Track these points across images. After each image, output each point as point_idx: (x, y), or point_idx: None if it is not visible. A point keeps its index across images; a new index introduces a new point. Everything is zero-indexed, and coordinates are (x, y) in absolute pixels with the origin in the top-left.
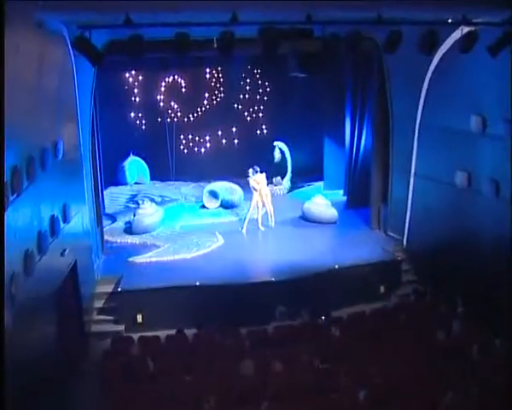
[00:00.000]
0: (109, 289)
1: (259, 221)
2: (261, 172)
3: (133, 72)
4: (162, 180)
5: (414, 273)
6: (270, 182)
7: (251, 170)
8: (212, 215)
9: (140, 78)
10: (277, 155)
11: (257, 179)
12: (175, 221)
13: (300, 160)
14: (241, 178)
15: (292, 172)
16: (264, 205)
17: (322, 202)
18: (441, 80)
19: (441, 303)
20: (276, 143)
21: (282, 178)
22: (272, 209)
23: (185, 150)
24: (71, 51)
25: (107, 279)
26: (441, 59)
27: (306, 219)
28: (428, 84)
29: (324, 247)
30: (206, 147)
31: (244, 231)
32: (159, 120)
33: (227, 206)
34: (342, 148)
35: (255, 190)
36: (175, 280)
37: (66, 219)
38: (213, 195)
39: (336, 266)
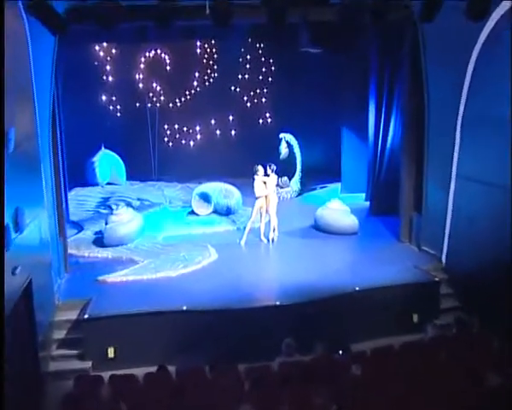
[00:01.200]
0: (73, 315)
1: (262, 231)
2: (276, 172)
3: (105, 44)
4: (141, 180)
5: (456, 298)
6: (276, 185)
7: (259, 167)
8: (203, 224)
9: (113, 52)
10: (284, 149)
11: (268, 181)
12: (157, 231)
13: (312, 156)
14: (238, 177)
15: (302, 172)
16: (267, 212)
17: (340, 209)
18: (493, 59)
19: (492, 337)
20: (282, 136)
21: (290, 179)
22: (276, 221)
23: (170, 143)
24: (25, 17)
25: (70, 304)
26: (493, 31)
27: (319, 228)
28: (476, 64)
29: (342, 264)
30: (195, 139)
31: (243, 243)
32: (137, 105)
33: (222, 212)
34: (364, 142)
35: (260, 194)
36: (156, 304)
37: (18, 228)
38: (205, 198)
39: (357, 289)
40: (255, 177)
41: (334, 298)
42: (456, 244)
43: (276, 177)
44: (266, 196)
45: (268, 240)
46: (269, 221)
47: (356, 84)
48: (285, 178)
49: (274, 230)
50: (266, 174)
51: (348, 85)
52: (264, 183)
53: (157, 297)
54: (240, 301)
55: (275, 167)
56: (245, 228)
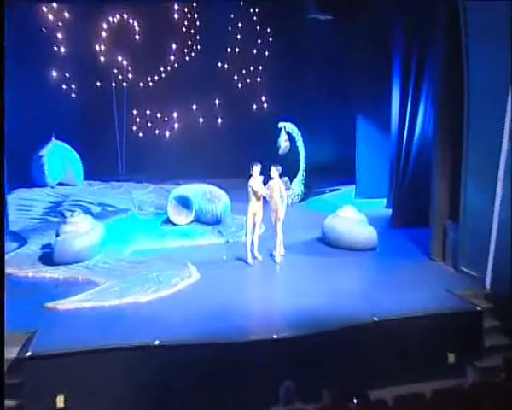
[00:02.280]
0: (12, 353)
1: (256, 245)
2: (280, 175)
3: (55, 5)
4: (103, 180)
5: (504, 334)
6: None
7: (256, 167)
8: (181, 235)
9: (66, 15)
10: (284, 142)
11: (272, 186)
12: (123, 244)
13: (320, 151)
14: (226, 178)
15: (306, 171)
16: (276, 223)
17: (354, 217)
18: None
19: None
20: (282, 125)
21: (292, 180)
22: (282, 236)
23: (140, 133)
24: None
25: (9, 338)
26: None
27: (328, 242)
28: None
29: (356, 287)
30: (172, 129)
31: (250, 261)
32: (98, 84)
33: (205, 221)
34: (386, 135)
35: (260, 193)
36: (121, 338)
37: None
38: (184, 203)
39: (375, 319)
40: (251, 181)
41: (347, 331)
42: (503, 264)
43: (282, 182)
44: (274, 204)
45: (274, 259)
46: (263, 234)
47: (375, 64)
48: (285, 179)
49: (280, 244)
50: (269, 177)
51: (365, 64)
52: (268, 187)
53: (122, 329)
54: (227, 334)
55: (280, 169)
56: (245, 243)
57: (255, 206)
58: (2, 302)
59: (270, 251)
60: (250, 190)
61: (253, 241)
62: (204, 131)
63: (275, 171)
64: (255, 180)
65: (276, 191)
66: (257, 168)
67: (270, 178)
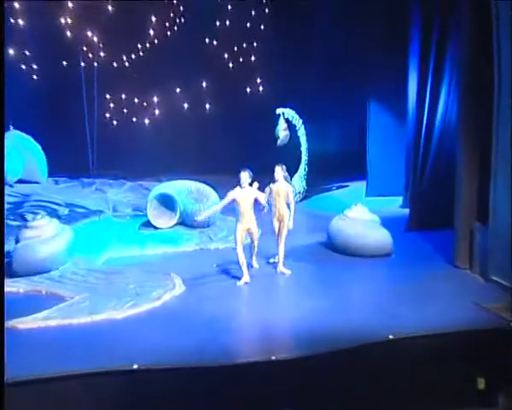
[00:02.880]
0: None
1: (254, 253)
2: (290, 176)
3: None
4: (71, 177)
5: None
6: (268, 181)
7: (243, 175)
8: (163, 241)
9: None
10: (283, 132)
11: (276, 189)
12: (95, 252)
13: (324, 142)
14: (216, 173)
15: (309, 165)
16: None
17: (365, 218)
18: None
19: None
20: (280, 112)
21: (292, 176)
22: (284, 248)
23: (115, 122)
24: None
25: None
26: None
27: (335, 247)
28: None
29: (368, 300)
30: (152, 116)
31: (243, 282)
32: (64, 63)
33: (192, 223)
34: (401, 124)
35: (245, 210)
36: (93, 362)
37: None
38: (166, 203)
39: (391, 337)
40: (235, 192)
41: (357, 351)
42: None
43: (289, 185)
44: (279, 210)
45: (274, 268)
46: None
47: (389, 40)
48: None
49: (282, 257)
50: (273, 181)
51: (378, 41)
52: (273, 192)
53: (94, 351)
54: (217, 356)
55: (285, 169)
56: (239, 263)
57: (247, 221)
58: (2, 303)
59: (267, 258)
60: (237, 201)
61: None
62: (189, 120)
63: (280, 171)
64: (241, 190)
65: (281, 196)
66: (244, 175)
67: (274, 180)
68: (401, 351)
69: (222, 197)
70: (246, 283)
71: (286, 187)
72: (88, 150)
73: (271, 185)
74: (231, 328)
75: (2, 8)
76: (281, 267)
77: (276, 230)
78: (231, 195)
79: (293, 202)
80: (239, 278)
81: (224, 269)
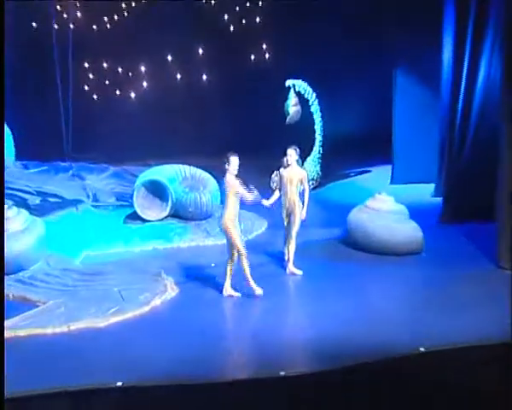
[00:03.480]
0: None
1: (292, 245)
2: (302, 159)
3: None
4: (43, 160)
5: None
6: (277, 167)
7: (232, 159)
8: (153, 235)
9: None
10: (293, 107)
11: (288, 176)
12: (72, 249)
13: (342, 119)
14: (214, 156)
15: (323, 146)
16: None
17: (391, 210)
18: None
19: None
20: (290, 83)
21: (304, 159)
22: (294, 244)
23: (95, 96)
24: None
25: None
26: None
27: (355, 244)
28: None
29: (395, 306)
30: (139, 89)
31: (227, 292)
32: (34, 25)
33: (185, 215)
34: (434, 97)
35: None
36: (71, 378)
37: None
38: (156, 192)
39: (422, 349)
40: (228, 177)
41: (382, 366)
42: None
43: (303, 170)
44: (288, 198)
45: (284, 268)
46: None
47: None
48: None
49: (292, 254)
50: (285, 164)
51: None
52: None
53: (71, 366)
54: (215, 371)
55: (298, 151)
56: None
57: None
58: (2, 304)
59: (274, 255)
60: (229, 190)
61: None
62: (183, 93)
63: (293, 154)
64: (287, 170)
65: (293, 184)
66: (235, 160)
67: (284, 165)
68: (434, 366)
69: (222, 185)
70: (224, 292)
71: (300, 173)
72: (62, 129)
73: (282, 171)
74: (231, 338)
75: (2, 8)
76: (291, 267)
77: (286, 223)
78: (228, 178)
79: (308, 190)
80: (241, 279)
81: (223, 269)
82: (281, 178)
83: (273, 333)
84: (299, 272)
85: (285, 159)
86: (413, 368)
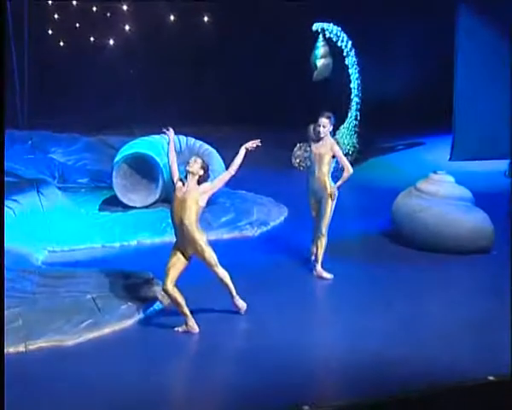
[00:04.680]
0: None
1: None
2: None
3: None
4: None
5: None
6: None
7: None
8: (138, 226)
9: None
10: (322, 60)
11: (319, 152)
12: (32, 243)
13: (387, 76)
14: (218, 124)
15: (360, 111)
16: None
17: (451, 194)
18: None
19: None
20: (318, 28)
21: (337, 128)
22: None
23: (61, 42)
24: None
25: None
26: None
27: (403, 238)
28: None
29: (455, 322)
30: (120, 34)
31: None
32: None
33: None
34: (509, 48)
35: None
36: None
37: None
38: (142, 170)
39: (490, 378)
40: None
41: (439, 397)
42: None
43: (337, 143)
44: (319, 176)
45: (314, 273)
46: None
47: None
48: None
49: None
50: (315, 136)
51: None
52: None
53: (31, 396)
54: (215, 403)
55: (333, 119)
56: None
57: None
58: (2, 301)
59: (296, 253)
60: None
61: None
62: (177, 40)
63: (327, 124)
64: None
65: (324, 161)
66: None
67: (314, 137)
68: (505, 399)
69: (227, 160)
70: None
71: (332, 146)
72: (16, 87)
73: (312, 145)
74: (237, 361)
75: (2, 9)
76: (319, 269)
77: (314, 213)
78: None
79: (350, 166)
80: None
81: (232, 273)
82: (310, 154)
83: (291, 355)
84: (329, 276)
85: (314, 129)
86: (479, 402)
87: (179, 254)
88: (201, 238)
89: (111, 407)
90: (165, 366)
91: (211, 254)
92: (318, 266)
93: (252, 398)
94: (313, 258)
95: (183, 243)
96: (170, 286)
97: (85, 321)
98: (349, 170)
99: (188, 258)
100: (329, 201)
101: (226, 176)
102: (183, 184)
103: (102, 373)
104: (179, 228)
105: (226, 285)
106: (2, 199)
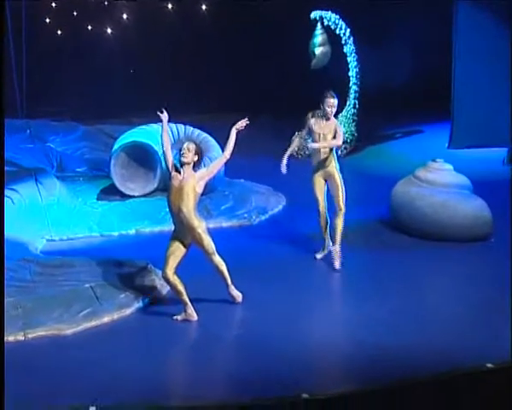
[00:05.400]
0: None
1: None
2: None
3: None
4: None
5: None
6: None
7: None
8: (137, 215)
9: None
10: (320, 48)
11: (324, 130)
12: (30, 232)
13: (385, 64)
14: (217, 112)
15: (358, 99)
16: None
17: (449, 182)
18: None
19: None
20: (317, 16)
21: (335, 116)
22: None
23: (59, 31)
24: None
25: None
26: None
27: (402, 226)
28: None
29: (454, 309)
30: (118, 23)
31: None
32: None
33: None
34: (508, 34)
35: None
36: (26, 400)
37: None
38: (141, 159)
39: (489, 365)
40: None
41: (438, 384)
42: None
43: (338, 125)
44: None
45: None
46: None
47: None
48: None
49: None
50: (322, 114)
51: None
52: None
53: (30, 384)
54: (214, 392)
55: (335, 102)
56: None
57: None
58: (2, 302)
59: (296, 241)
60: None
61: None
62: (175, 28)
63: (334, 103)
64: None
65: (328, 139)
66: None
67: (317, 115)
68: (504, 386)
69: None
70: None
71: (336, 127)
72: (14, 76)
73: (312, 122)
74: (236, 350)
75: (2, 9)
76: (338, 249)
77: (320, 197)
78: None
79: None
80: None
81: (229, 261)
82: (311, 134)
83: (290, 343)
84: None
85: (320, 110)
86: (478, 389)
87: (178, 243)
88: (200, 226)
89: (110, 395)
90: (164, 354)
91: (209, 242)
92: (337, 247)
93: (250, 387)
94: (326, 241)
95: (182, 231)
96: (170, 273)
97: (84, 310)
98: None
99: (187, 246)
100: (339, 182)
101: (221, 160)
102: (179, 173)
103: (101, 362)
104: (177, 216)
105: (222, 274)
106: (2, 198)
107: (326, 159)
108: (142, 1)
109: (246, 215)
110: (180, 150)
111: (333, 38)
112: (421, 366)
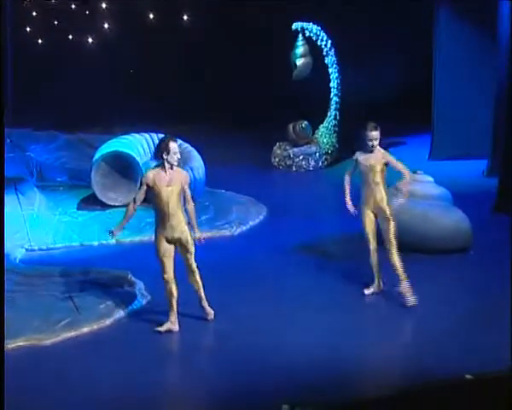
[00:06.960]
0: None
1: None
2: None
3: None
4: None
5: None
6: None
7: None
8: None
9: None
10: (301, 58)
11: (372, 162)
12: (9, 242)
13: (366, 75)
14: (198, 122)
15: (340, 111)
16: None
17: (429, 194)
18: None
19: None
20: (297, 27)
21: (316, 127)
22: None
23: (39, 40)
24: None
25: None
26: None
27: (382, 238)
28: None
29: (432, 321)
30: (99, 32)
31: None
32: None
33: None
34: (488, 47)
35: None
36: None
37: None
38: (121, 168)
39: (468, 377)
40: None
41: (417, 396)
42: None
43: (386, 154)
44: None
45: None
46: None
47: None
48: (304, 124)
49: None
50: (361, 148)
51: None
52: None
53: (9, 398)
54: (200, 407)
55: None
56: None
57: (377, 196)
58: (2, 303)
59: (276, 252)
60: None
61: None
62: (157, 38)
63: (377, 136)
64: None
65: (377, 174)
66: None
67: (361, 148)
68: (483, 396)
69: (207, 157)
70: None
71: (383, 157)
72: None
73: (359, 157)
74: (217, 361)
75: (2, 9)
76: (406, 294)
77: (371, 233)
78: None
79: (405, 167)
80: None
81: (209, 272)
82: (356, 166)
83: (272, 354)
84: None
85: (365, 145)
86: (457, 400)
87: (167, 244)
88: (184, 220)
89: (89, 405)
90: (145, 365)
91: (192, 241)
92: (404, 283)
93: (231, 397)
94: (377, 289)
95: (171, 229)
96: (171, 274)
97: (63, 320)
98: (407, 173)
99: (174, 248)
100: (390, 215)
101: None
102: (165, 172)
103: (81, 372)
104: (168, 215)
105: (196, 284)
106: (2, 198)
107: (377, 196)
108: (123, 11)
109: (226, 226)
110: (169, 151)
111: (314, 50)
112: (398, 376)
